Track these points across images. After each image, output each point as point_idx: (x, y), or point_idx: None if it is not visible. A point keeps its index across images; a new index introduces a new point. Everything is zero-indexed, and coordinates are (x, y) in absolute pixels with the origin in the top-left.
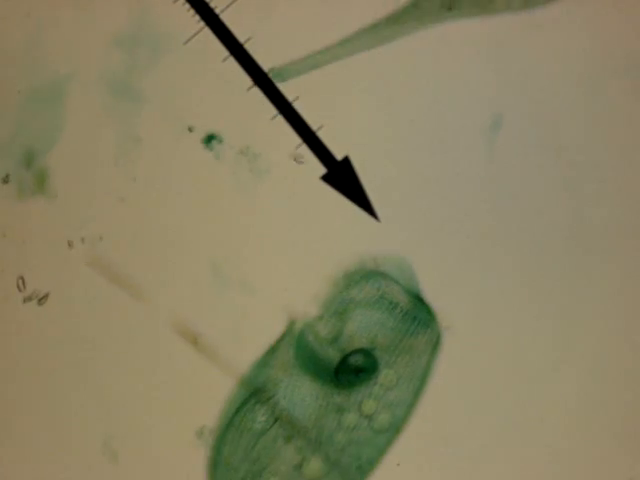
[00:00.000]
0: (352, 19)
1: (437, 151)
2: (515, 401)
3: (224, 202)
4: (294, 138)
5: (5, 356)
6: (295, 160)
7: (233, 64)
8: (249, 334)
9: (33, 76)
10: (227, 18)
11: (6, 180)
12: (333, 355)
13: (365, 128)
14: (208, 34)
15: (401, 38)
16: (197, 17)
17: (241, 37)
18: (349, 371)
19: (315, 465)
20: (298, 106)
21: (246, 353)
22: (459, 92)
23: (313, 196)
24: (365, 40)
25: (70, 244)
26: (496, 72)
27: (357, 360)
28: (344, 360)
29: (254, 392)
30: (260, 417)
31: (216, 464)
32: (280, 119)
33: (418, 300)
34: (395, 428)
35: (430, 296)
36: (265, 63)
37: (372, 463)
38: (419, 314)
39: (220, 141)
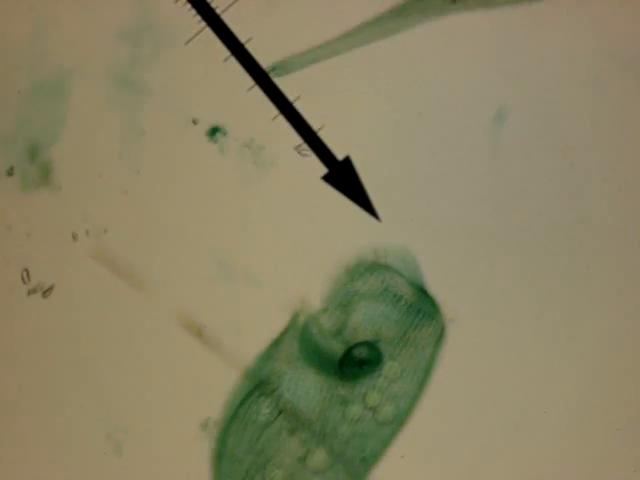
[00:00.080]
0: (355, 12)
1: (439, 147)
2: (519, 393)
3: (228, 194)
4: (295, 137)
5: (9, 348)
6: (299, 153)
7: (234, 64)
8: (253, 326)
9: (37, 69)
10: (228, 18)
11: (10, 173)
12: (337, 347)
13: (367, 126)
14: (209, 34)
15: (405, 31)
16: (198, 17)
17: (242, 37)
18: (353, 363)
19: (319, 457)
20: (299, 106)
21: (250, 345)
22: (463, 86)
23: (318, 189)
24: (368, 33)
25: (74, 236)
26: (500, 66)
27: (361, 352)
28: (348, 352)
29: (258, 384)
30: (264, 409)
31: (220, 456)
32: (281, 119)
33: (422, 292)
34: (399, 420)
35: (434, 289)
36: (266, 63)
37: (376, 455)
38: (423, 306)
39: (224, 134)
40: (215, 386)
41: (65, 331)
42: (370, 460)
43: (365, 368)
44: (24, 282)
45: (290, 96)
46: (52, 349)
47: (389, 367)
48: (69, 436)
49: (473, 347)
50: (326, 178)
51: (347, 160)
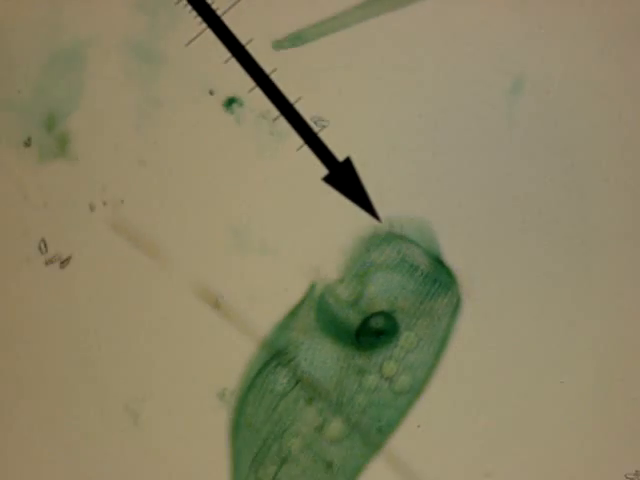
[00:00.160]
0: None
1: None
2: (535, 363)
3: (244, 164)
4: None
5: (27, 318)
6: (316, 124)
7: (235, 64)
8: (270, 297)
9: (54, 40)
10: (228, 19)
11: (28, 143)
12: (354, 318)
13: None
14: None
15: (415, 3)
16: (199, 19)
17: (243, 39)
18: (370, 333)
19: (336, 427)
20: (300, 106)
21: (267, 316)
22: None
23: None
24: (379, 4)
25: (92, 207)
26: (516, 32)
27: (378, 322)
28: (365, 322)
29: (275, 354)
30: (281, 379)
31: (238, 425)
32: (282, 120)
33: (438, 263)
34: (415, 390)
35: (450, 259)
36: (266, 64)
37: (392, 425)
38: (439, 276)
39: (240, 104)
40: (232, 356)
41: (82, 301)
42: (386, 430)
43: (382, 338)
44: (41, 252)
45: (291, 97)
46: (69, 320)
47: (405, 337)
48: (87, 406)
49: (489, 317)
50: (327, 179)
51: (347, 161)
